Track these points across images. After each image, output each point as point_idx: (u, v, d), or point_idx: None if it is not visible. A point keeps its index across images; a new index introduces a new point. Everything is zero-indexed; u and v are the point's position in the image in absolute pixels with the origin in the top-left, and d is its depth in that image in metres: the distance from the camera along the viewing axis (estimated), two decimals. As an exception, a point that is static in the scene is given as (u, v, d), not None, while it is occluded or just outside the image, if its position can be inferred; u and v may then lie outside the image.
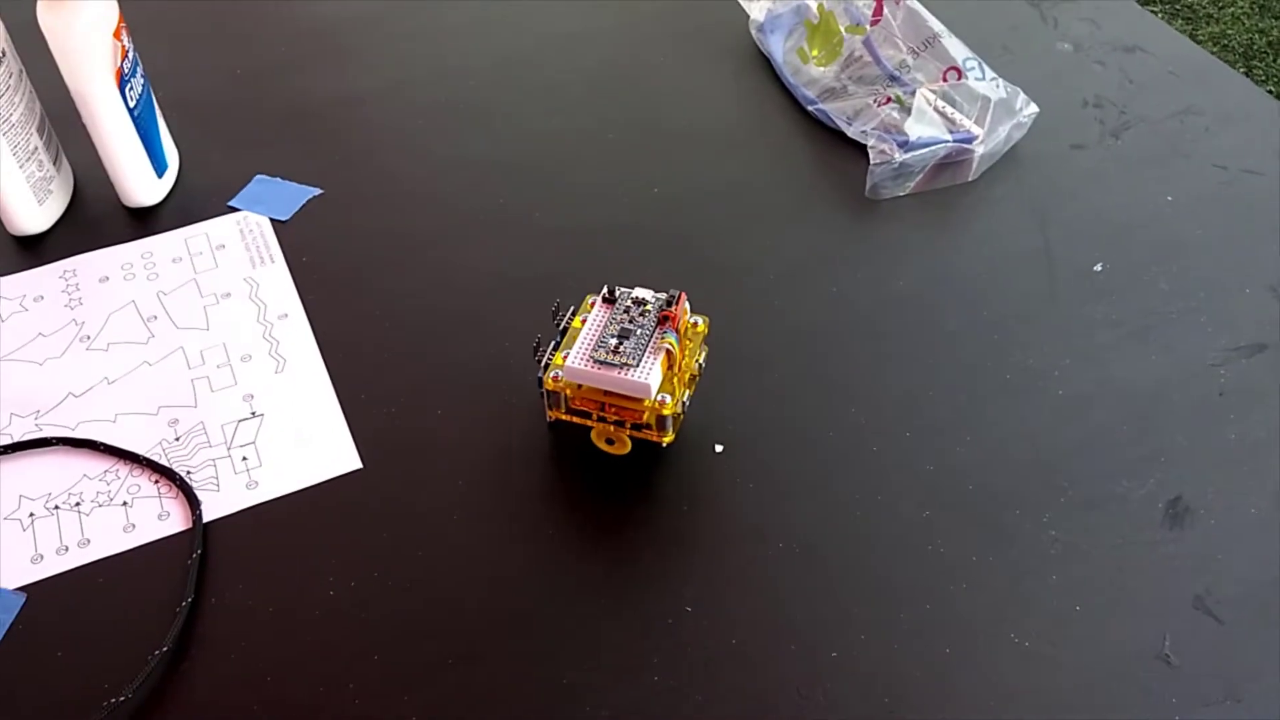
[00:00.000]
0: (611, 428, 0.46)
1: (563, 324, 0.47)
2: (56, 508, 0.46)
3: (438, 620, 0.43)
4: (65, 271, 0.56)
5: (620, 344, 0.45)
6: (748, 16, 0.69)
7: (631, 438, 0.47)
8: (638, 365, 0.45)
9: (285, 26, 0.72)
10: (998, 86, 0.61)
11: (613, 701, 0.41)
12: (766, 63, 0.68)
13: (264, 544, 0.46)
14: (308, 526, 0.46)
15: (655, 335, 0.45)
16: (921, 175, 0.59)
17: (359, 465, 0.48)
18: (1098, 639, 0.42)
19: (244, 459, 0.48)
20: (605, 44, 0.70)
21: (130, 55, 0.55)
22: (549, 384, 0.46)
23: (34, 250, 0.58)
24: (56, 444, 0.48)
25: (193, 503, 0.46)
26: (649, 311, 0.46)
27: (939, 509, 0.46)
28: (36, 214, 0.57)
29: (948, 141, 0.59)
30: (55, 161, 0.58)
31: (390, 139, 0.64)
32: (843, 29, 0.64)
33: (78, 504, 0.46)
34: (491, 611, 0.43)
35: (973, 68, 0.61)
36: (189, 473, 0.47)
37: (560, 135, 0.64)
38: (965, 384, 0.51)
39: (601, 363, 0.45)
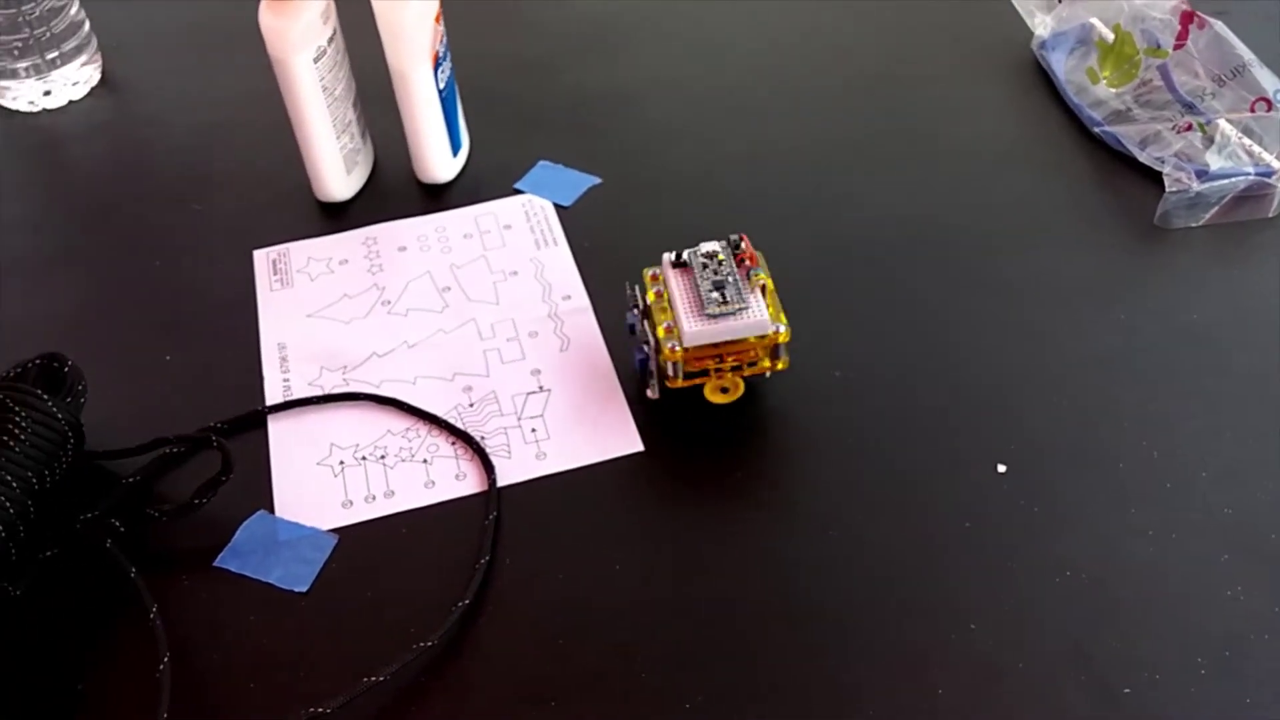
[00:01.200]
0: (729, 374, 0.49)
1: (640, 304, 0.50)
2: (364, 458, 0.49)
3: (720, 606, 0.44)
4: (367, 239, 0.59)
5: (723, 294, 0.47)
6: (1030, 33, 0.68)
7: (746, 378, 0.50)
8: (749, 306, 0.47)
9: (567, 18, 0.75)
10: (1309, 120, 0.58)
11: (894, 707, 0.41)
12: (1047, 80, 0.67)
13: (552, 513, 0.47)
14: (593, 502, 0.48)
15: (744, 276, 0.48)
16: (1218, 207, 0.57)
17: (640, 448, 0.49)
18: None
19: (533, 430, 0.50)
20: (879, 51, 0.70)
21: (444, 40, 0.58)
22: (671, 355, 0.47)
23: (336, 217, 0.61)
24: (363, 399, 0.51)
25: (488, 467, 0.48)
26: (725, 260, 0.49)
27: (1238, 555, 0.45)
28: (344, 183, 0.61)
29: (1249, 175, 0.57)
30: (363, 135, 0.62)
31: (663, 133, 0.66)
32: (1140, 51, 0.62)
33: (382, 457, 0.49)
34: (777, 600, 0.44)
35: (1284, 99, 0.59)
36: (483, 438, 0.50)
37: (832, 140, 0.64)
38: (1267, 428, 0.49)
39: (716, 317, 0.47)
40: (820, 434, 0.50)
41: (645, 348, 0.49)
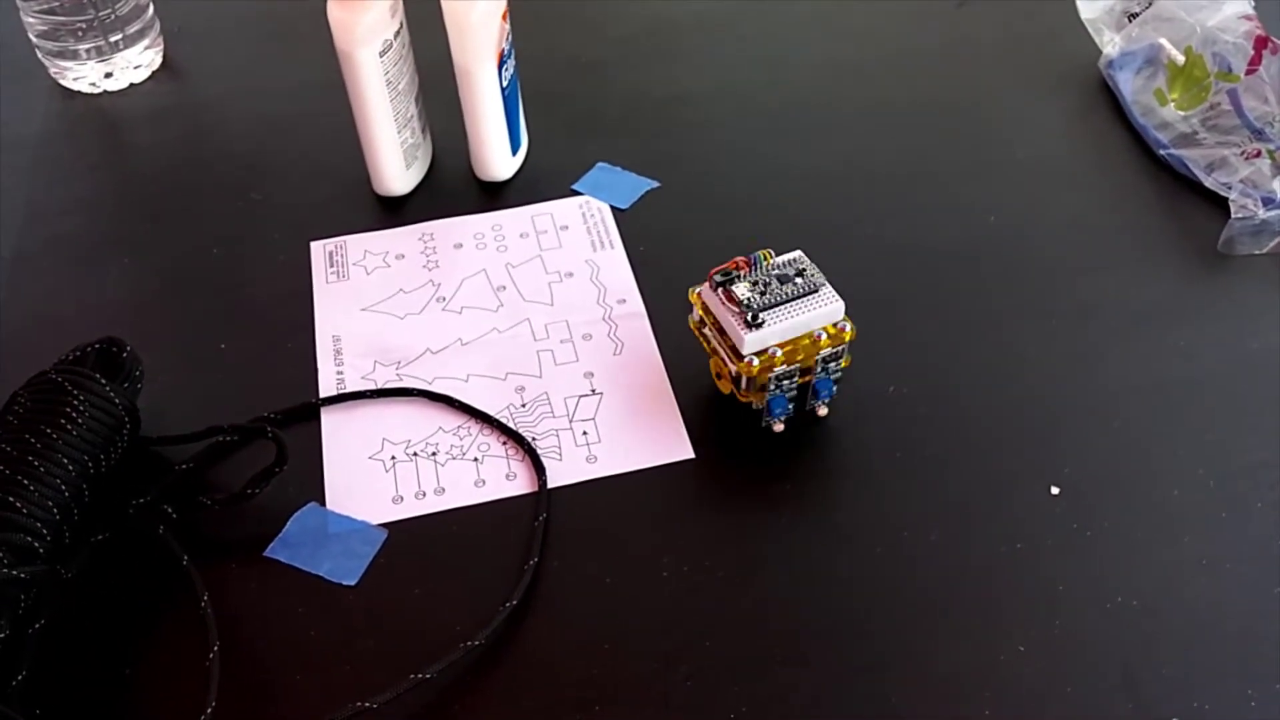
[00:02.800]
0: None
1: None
2: (415, 454, 0.49)
3: (769, 617, 0.44)
4: (424, 234, 0.60)
5: (782, 285, 0.47)
6: (1098, 51, 0.67)
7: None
8: (823, 284, 0.48)
9: (628, 21, 0.75)
10: (1380, 150, 0.57)
11: (940, 729, 0.41)
12: (1113, 99, 0.66)
13: (601, 517, 0.47)
14: (642, 507, 0.48)
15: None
16: (1283, 235, 0.56)
17: (691, 455, 0.49)
18: None
19: (584, 433, 0.50)
20: (943, 65, 0.70)
21: (509, 38, 0.59)
22: (744, 369, 0.47)
23: (394, 212, 0.62)
24: (416, 395, 0.52)
25: (538, 468, 0.48)
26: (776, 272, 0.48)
27: (1297, 589, 0.44)
28: (403, 177, 0.61)
29: (1317, 203, 0.56)
30: (423, 130, 0.62)
31: (723, 139, 0.65)
32: (1211, 75, 0.61)
33: (434, 454, 0.49)
34: (823, 615, 0.44)
35: (1356, 128, 0.58)
36: (534, 439, 0.50)
37: (893, 152, 0.64)
38: (1329, 461, 0.48)
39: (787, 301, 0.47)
40: (873, 448, 0.49)
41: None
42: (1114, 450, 0.49)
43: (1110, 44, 0.66)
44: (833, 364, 0.48)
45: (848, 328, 0.48)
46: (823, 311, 0.47)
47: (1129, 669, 0.42)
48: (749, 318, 0.46)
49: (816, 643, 0.43)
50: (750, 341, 0.46)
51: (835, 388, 0.49)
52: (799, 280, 0.48)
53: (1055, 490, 0.48)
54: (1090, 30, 0.68)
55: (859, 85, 0.69)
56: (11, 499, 0.42)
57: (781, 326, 0.46)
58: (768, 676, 0.42)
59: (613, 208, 0.61)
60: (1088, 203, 0.61)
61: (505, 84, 0.59)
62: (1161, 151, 0.61)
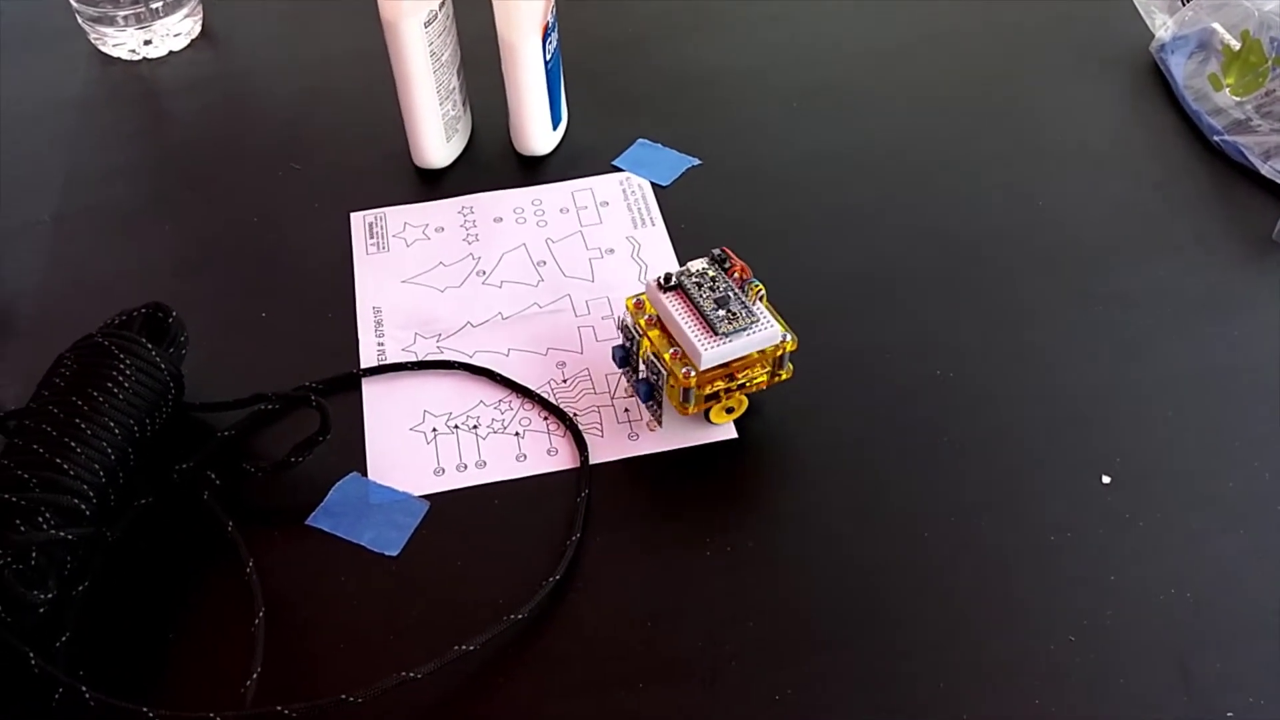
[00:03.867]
0: (736, 393, 0.47)
1: (632, 334, 0.47)
2: (456, 427, 0.49)
3: (813, 600, 0.43)
4: (463, 207, 0.59)
5: (729, 311, 0.45)
6: (1150, 34, 0.66)
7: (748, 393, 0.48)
8: (759, 318, 0.45)
9: (671, -3, 0.74)
10: None
11: (990, 714, 0.40)
12: (1164, 85, 0.65)
13: (644, 496, 0.47)
14: (685, 487, 0.47)
15: (742, 289, 0.46)
16: (1340, 225, 0.55)
17: (734, 435, 0.49)
18: None
19: (625, 410, 0.50)
20: (991, 48, 0.69)
21: (554, 12, 0.58)
22: (686, 381, 0.45)
23: (433, 184, 0.61)
24: (457, 368, 0.51)
25: (580, 444, 0.48)
26: (717, 277, 0.47)
27: (1353, 583, 0.43)
28: (442, 150, 0.60)
29: (1375, 192, 0.55)
30: (464, 103, 0.62)
31: (766, 119, 0.65)
32: (1269, 60, 0.60)
33: (475, 427, 0.49)
34: (870, 601, 0.43)
35: None
36: (576, 415, 0.49)
37: (939, 135, 0.63)
38: (1387, 455, 0.47)
39: (729, 335, 0.45)
40: (920, 434, 0.49)
41: (653, 376, 0.47)
42: (1166, 440, 0.48)
43: (1162, 27, 0.65)
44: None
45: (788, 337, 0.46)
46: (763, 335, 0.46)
47: (1183, 662, 0.41)
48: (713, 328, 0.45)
49: (862, 628, 0.43)
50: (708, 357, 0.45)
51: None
52: (716, 282, 0.47)
53: (1106, 479, 0.47)
54: (1142, 13, 0.67)
55: (904, 66, 0.68)
56: (59, 461, 0.41)
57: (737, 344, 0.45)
58: (813, 659, 0.42)
59: (653, 184, 0.60)
60: (1138, 189, 0.60)
61: (548, 58, 0.58)
62: (1215, 138, 0.60)
